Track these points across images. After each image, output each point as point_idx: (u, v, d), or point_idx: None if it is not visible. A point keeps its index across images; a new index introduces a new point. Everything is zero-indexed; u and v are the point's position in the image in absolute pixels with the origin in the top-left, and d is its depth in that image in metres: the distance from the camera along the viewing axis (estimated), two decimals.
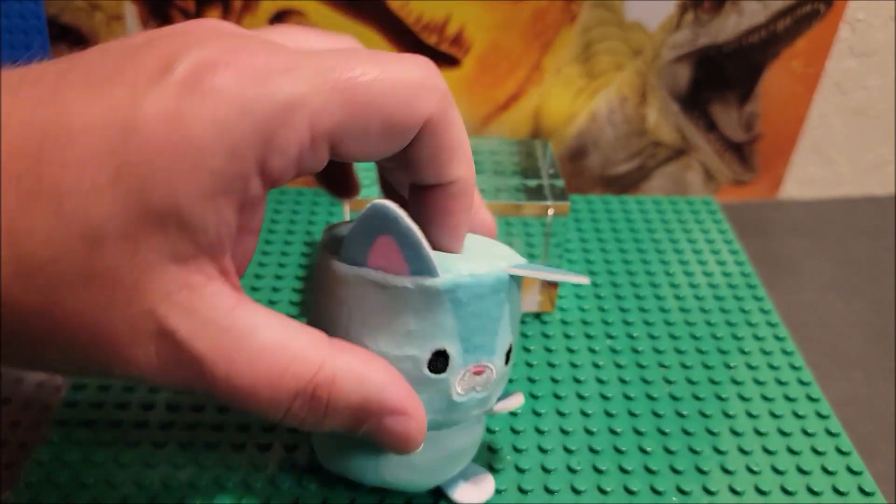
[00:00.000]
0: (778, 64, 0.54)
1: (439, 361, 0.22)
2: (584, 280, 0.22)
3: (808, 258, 0.53)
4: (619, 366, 0.33)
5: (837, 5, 0.52)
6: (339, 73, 0.18)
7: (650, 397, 0.32)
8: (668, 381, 0.32)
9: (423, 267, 0.21)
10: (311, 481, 0.27)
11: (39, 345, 0.17)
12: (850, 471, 0.29)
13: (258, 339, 0.18)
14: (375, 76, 0.18)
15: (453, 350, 0.22)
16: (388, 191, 0.26)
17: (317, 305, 0.23)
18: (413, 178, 0.21)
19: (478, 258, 0.22)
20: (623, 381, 0.32)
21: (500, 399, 0.25)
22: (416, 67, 0.19)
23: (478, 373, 0.23)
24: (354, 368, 0.20)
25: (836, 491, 0.28)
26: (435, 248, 0.22)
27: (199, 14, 0.48)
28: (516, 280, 0.23)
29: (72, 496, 0.26)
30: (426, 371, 0.22)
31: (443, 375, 0.22)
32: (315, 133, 0.18)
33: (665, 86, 0.54)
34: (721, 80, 0.54)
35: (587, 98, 0.54)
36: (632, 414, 0.31)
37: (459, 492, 0.26)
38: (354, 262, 0.21)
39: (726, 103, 0.55)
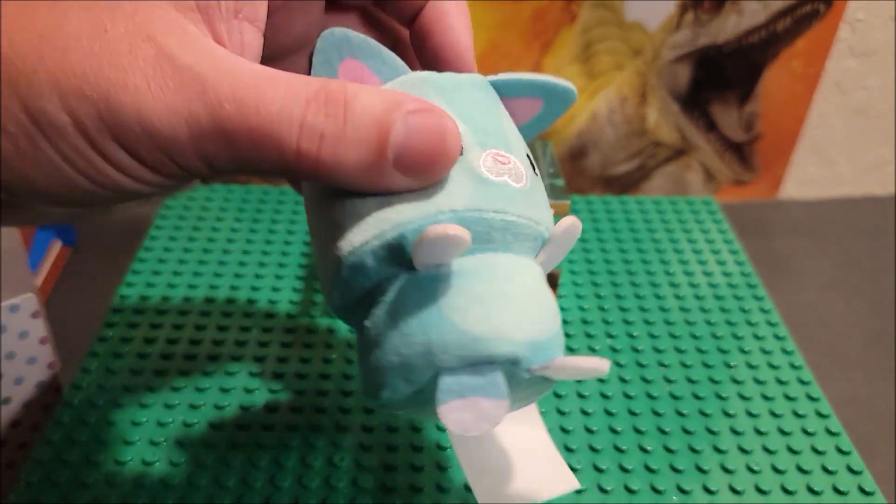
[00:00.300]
0: (778, 64, 0.54)
1: None
2: (569, 85, 0.21)
3: (808, 258, 0.53)
4: (619, 365, 0.33)
5: (837, 5, 0.52)
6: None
7: (650, 396, 0.32)
8: (668, 381, 0.32)
9: (392, 70, 0.20)
10: (311, 481, 0.27)
11: (27, 78, 0.16)
12: (850, 470, 0.29)
13: (258, 67, 0.17)
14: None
15: (462, 128, 0.19)
16: None
17: None
18: (397, 18, 0.21)
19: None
20: (623, 381, 0.32)
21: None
22: None
23: (500, 161, 0.19)
24: (365, 86, 0.18)
25: (836, 490, 0.28)
26: (441, 67, 0.21)
27: None
28: (505, 89, 0.21)
29: (71, 496, 0.26)
30: None
31: (459, 158, 0.18)
32: None
33: (665, 86, 0.54)
34: (721, 80, 0.54)
35: (587, 98, 0.54)
36: (632, 413, 0.31)
37: (564, 359, 0.19)
38: None
39: (726, 103, 0.55)
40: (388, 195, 0.18)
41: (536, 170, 0.20)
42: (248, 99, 0.17)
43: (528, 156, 0.20)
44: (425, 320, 0.18)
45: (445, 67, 0.21)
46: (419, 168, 0.18)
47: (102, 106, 0.16)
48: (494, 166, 0.19)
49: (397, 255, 0.18)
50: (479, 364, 0.18)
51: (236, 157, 0.17)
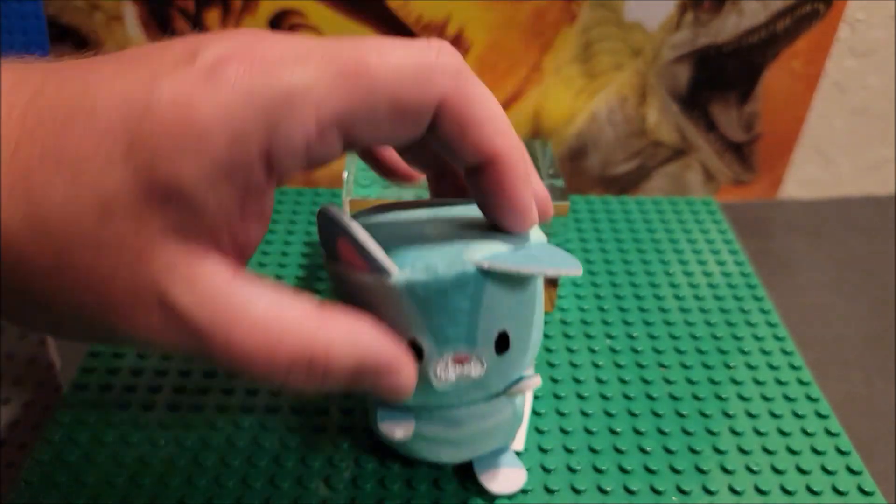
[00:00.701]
0: (778, 64, 0.54)
1: (415, 351, 0.22)
2: (576, 272, 0.22)
3: (808, 258, 0.53)
4: (618, 365, 0.33)
5: (837, 5, 0.52)
6: (344, 59, 0.18)
7: (650, 397, 0.32)
8: (668, 381, 0.32)
9: (375, 265, 0.21)
10: (310, 480, 0.27)
11: (51, 304, 0.18)
12: (850, 470, 0.29)
13: (253, 312, 0.19)
14: (381, 60, 0.18)
15: (424, 342, 0.22)
16: (445, 181, 0.25)
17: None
18: (454, 161, 0.21)
19: (458, 248, 0.22)
20: (623, 381, 0.32)
21: (518, 381, 0.25)
22: (425, 49, 0.19)
23: (459, 361, 0.23)
24: (346, 335, 0.20)
25: (836, 490, 0.28)
26: (503, 228, 0.22)
27: (198, 14, 0.48)
28: (499, 274, 0.22)
29: (71, 496, 0.26)
30: None
31: (419, 364, 0.22)
32: (321, 121, 0.18)
33: (665, 86, 0.54)
34: (721, 80, 0.54)
35: (587, 98, 0.54)
36: (631, 414, 0.31)
37: (485, 477, 0.27)
38: (332, 256, 0.23)
39: (726, 103, 0.55)
40: None
41: (512, 341, 0.23)
42: (238, 355, 0.19)
43: (503, 333, 0.23)
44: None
45: (502, 223, 0.22)
46: (380, 396, 0.22)
47: (110, 329, 0.18)
48: (450, 371, 0.23)
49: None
50: None
51: (227, 370, 0.20)
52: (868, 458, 0.30)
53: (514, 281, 0.23)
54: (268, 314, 0.19)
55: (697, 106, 0.55)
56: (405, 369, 0.21)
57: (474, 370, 0.23)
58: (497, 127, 0.21)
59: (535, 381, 0.25)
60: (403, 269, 0.21)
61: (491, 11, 0.50)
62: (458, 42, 0.51)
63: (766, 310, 0.37)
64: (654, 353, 0.34)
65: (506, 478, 0.27)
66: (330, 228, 0.22)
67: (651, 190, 0.58)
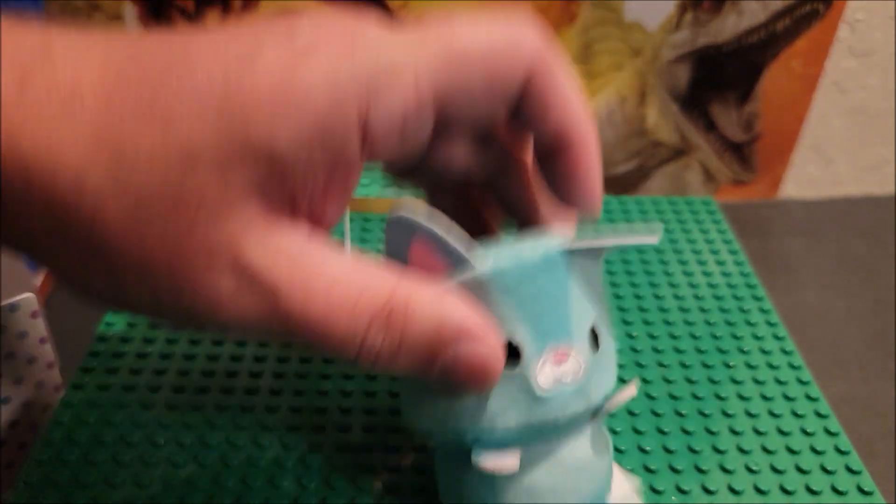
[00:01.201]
0: (777, 64, 0.54)
1: (510, 354, 0.20)
2: (653, 239, 0.21)
3: (808, 258, 0.53)
4: (617, 365, 0.33)
5: (837, 5, 0.52)
6: (439, 34, 0.19)
7: (649, 396, 0.32)
8: (666, 381, 0.32)
9: (458, 261, 0.20)
10: (310, 480, 0.27)
11: (120, 263, 0.18)
12: (849, 470, 0.29)
13: (331, 269, 0.18)
14: (472, 33, 0.19)
15: (521, 339, 0.20)
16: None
17: None
18: (535, 138, 0.21)
19: (536, 236, 0.21)
20: (622, 381, 0.32)
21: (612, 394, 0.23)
22: (511, 22, 0.20)
23: (559, 360, 0.21)
24: (428, 294, 0.19)
25: (836, 490, 0.28)
26: (574, 211, 0.22)
27: (198, 14, 0.48)
28: (579, 255, 0.21)
29: (71, 496, 0.26)
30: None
31: (518, 369, 0.21)
32: (420, 91, 0.18)
33: (664, 86, 0.54)
34: (721, 80, 0.54)
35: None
36: (631, 413, 0.31)
37: None
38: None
39: (726, 103, 0.55)
40: (454, 399, 0.21)
41: (601, 338, 0.22)
42: (318, 313, 0.18)
43: (592, 328, 0.22)
44: (485, 496, 0.22)
45: (572, 207, 0.22)
46: (461, 384, 0.20)
47: (175, 296, 0.18)
48: (553, 372, 0.21)
49: (456, 446, 0.22)
50: None
51: (296, 343, 0.19)
52: (867, 457, 0.30)
53: (590, 266, 0.22)
54: (346, 271, 0.18)
55: (697, 106, 0.55)
56: (491, 341, 0.20)
57: (574, 370, 0.21)
58: (578, 109, 0.21)
59: (631, 391, 0.23)
60: (486, 260, 0.20)
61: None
62: None
63: (766, 309, 0.37)
64: (653, 353, 0.34)
65: None
66: (402, 234, 0.20)
67: (651, 190, 0.58)
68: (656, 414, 0.31)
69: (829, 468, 0.29)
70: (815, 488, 0.28)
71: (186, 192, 0.17)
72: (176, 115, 0.17)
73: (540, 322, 0.20)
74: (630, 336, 0.35)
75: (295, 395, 0.31)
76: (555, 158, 0.21)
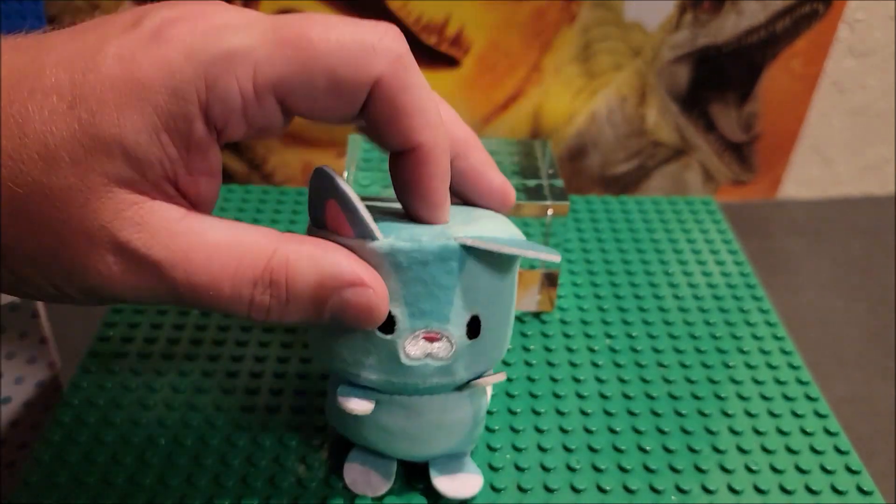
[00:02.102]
0: (777, 64, 0.54)
1: (387, 322, 0.23)
2: (555, 258, 0.23)
3: (807, 258, 0.53)
4: (618, 365, 0.33)
5: (836, 5, 0.52)
6: (288, 29, 0.19)
7: (649, 396, 0.32)
8: (667, 381, 0.32)
9: (363, 230, 0.22)
10: (311, 480, 0.27)
11: (13, 261, 0.19)
12: (849, 470, 0.29)
13: (211, 238, 0.19)
14: (324, 34, 0.19)
15: (398, 312, 0.23)
16: None
17: None
18: (379, 143, 0.22)
19: (444, 228, 0.23)
20: (622, 381, 0.32)
21: (482, 375, 0.25)
22: (370, 30, 0.20)
23: (430, 339, 0.23)
24: (307, 251, 0.20)
25: (835, 490, 0.28)
26: (416, 219, 0.23)
27: None
28: (481, 254, 0.23)
29: (71, 495, 0.26)
30: (375, 331, 0.23)
31: (390, 337, 0.23)
32: (258, 83, 0.19)
33: (664, 86, 0.54)
34: (720, 80, 0.54)
35: (586, 98, 0.54)
36: (631, 413, 0.31)
37: (440, 479, 0.26)
38: (317, 223, 0.23)
39: (726, 103, 0.55)
40: (337, 342, 0.24)
41: (483, 330, 0.24)
42: (202, 282, 0.19)
43: (474, 318, 0.23)
44: (349, 421, 0.26)
45: (414, 213, 0.23)
46: (349, 325, 0.22)
47: (70, 278, 0.19)
48: (422, 347, 0.23)
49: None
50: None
51: (192, 307, 0.21)
52: (867, 457, 0.30)
53: (493, 265, 0.23)
54: (225, 238, 0.20)
55: (697, 106, 0.55)
56: (374, 284, 0.21)
57: (443, 351, 0.23)
58: (426, 119, 0.21)
59: (498, 377, 0.25)
60: (388, 236, 0.22)
61: (491, 12, 0.50)
62: (457, 42, 0.51)
63: (765, 309, 0.37)
64: (653, 353, 0.34)
65: (461, 483, 0.26)
66: (322, 189, 0.22)
67: (650, 190, 0.58)
68: (656, 413, 0.31)
69: (828, 468, 0.29)
70: (814, 488, 0.28)
71: (54, 188, 0.18)
72: (30, 116, 0.18)
73: (421, 302, 0.23)
74: (630, 336, 0.35)
75: (296, 395, 0.31)
76: (399, 163, 0.22)
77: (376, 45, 0.20)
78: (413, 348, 0.23)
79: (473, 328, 0.24)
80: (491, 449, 0.29)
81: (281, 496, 0.27)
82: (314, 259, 0.20)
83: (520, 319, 0.35)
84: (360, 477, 0.27)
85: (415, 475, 0.27)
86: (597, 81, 0.54)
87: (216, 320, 0.34)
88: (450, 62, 0.51)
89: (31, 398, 0.33)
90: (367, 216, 0.22)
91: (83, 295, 0.20)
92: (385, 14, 0.49)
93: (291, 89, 0.19)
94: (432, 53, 0.51)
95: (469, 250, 0.22)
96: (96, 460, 0.28)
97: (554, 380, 0.32)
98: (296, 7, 0.48)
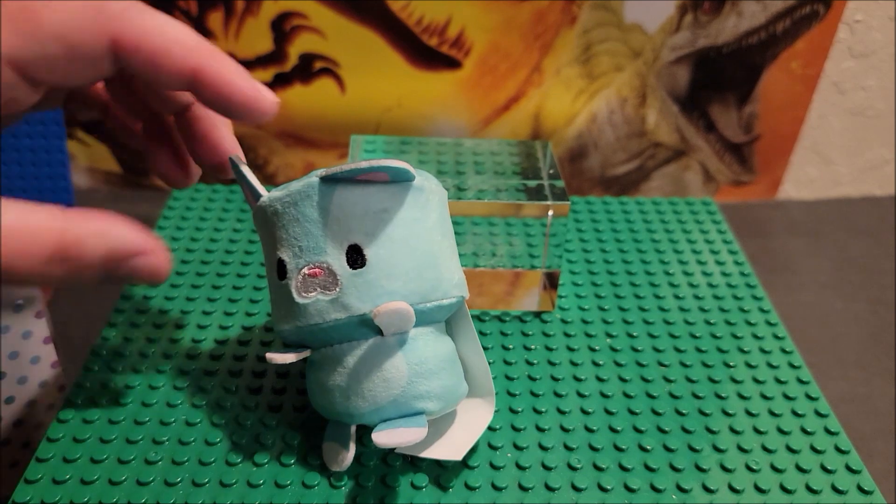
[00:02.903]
0: (777, 65, 0.54)
1: (281, 269, 0.25)
2: (400, 164, 0.23)
3: (807, 258, 0.53)
4: (618, 364, 0.33)
5: (836, 6, 0.52)
6: (13, 5, 0.20)
7: (650, 396, 0.32)
8: (668, 380, 0.33)
9: (255, 193, 0.26)
10: (313, 479, 0.27)
11: None
12: (850, 469, 0.29)
13: (3, 224, 0.20)
14: (49, 4, 0.20)
15: (285, 256, 0.25)
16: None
17: None
18: (166, 102, 0.23)
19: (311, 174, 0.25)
20: (623, 380, 0.32)
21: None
22: None
23: (312, 274, 0.24)
24: (94, 227, 0.22)
25: (836, 489, 0.28)
26: (248, 121, 0.24)
27: (201, 16, 0.48)
28: (348, 185, 0.24)
29: (74, 494, 0.26)
30: (277, 279, 0.25)
31: (284, 282, 0.25)
32: None
33: (665, 87, 0.54)
34: (720, 81, 0.54)
35: (587, 99, 0.54)
36: (632, 412, 0.31)
37: (376, 434, 0.24)
38: (250, 205, 0.27)
39: (726, 104, 0.55)
40: (271, 303, 0.27)
41: (369, 258, 0.24)
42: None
43: (355, 245, 0.24)
44: (309, 391, 0.27)
45: (247, 118, 0.24)
46: (139, 284, 0.24)
47: None
48: (309, 283, 0.25)
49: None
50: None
51: None
52: (867, 457, 0.30)
53: (367, 195, 0.24)
54: (16, 222, 0.20)
55: (697, 107, 0.55)
56: (157, 251, 0.23)
57: (329, 283, 0.24)
58: (186, 45, 0.22)
59: (393, 305, 0.24)
60: (271, 191, 0.25)
61: (491, 13, 0.50)
62: (458, 44, 0.51)
63: (766, 309, 0.37)
64: (653, 353, 0.34)
65: (397, 433, 0.24)
66: (236, 175, 0.26)
67: (651, 191, 0.59)
68: (657, 413, 0.31)
69: (829, 467, 0.29)
70: (815, 487, 0.28)
71: None
72: None
73: (299, 240, 0.24)
74: (631, 335, 0.35)
75: (298, 393, 0.31)
76: (197, 97, 0.23)
77: (101, 5, 0.21)
78: (302, 286, 0.25)
79: (354, 258, 0.24)
80: (492, 447, 0.29)
81: (284, 495, 0.27)
82: (101, 233, 0.22)
83: (521, 319, 0.36)
84: (329, 453, 0.27)
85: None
86: (597, 83, 0.54)
87: (217, 320, 0.34)
88: (451, 63, 0.51)
89: (34, 398, 0.33)
90: (253, 180, 0.25)
91: None
92: (386, 14, 0.49)
93: (27, 60, 0.20)
94: (433, 55, 0.51)
95: (333, 181, 0.24)
96: (99, 459, 0.28)
97: (555, 379, 0.32)
98: (297, 9, 0.48)
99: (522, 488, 0.27)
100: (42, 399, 0.33)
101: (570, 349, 0.34)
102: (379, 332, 0.25)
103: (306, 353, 0.26)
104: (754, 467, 0.29)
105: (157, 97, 0.25)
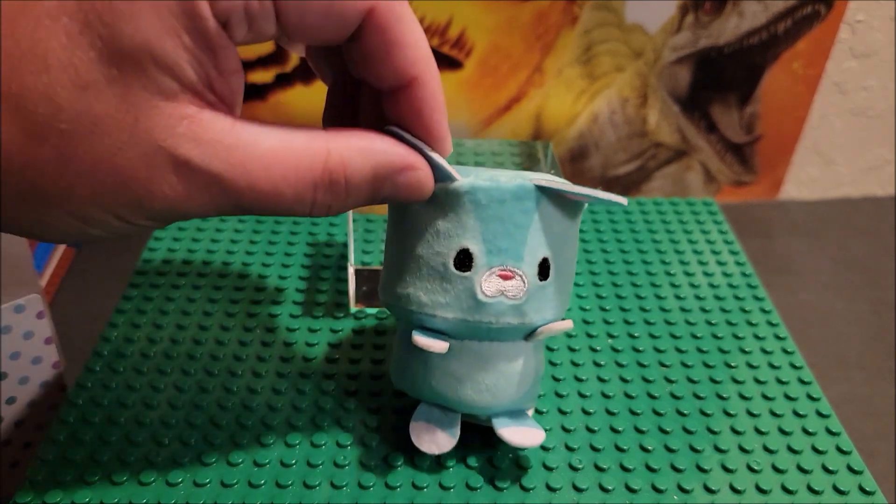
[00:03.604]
0: (778, 65, 0.54)
1: (464, 259, 0.24)
2: (622, 200, 0.23)
3: (809, 258, 0.53)
4: (620, 365, 0.33)
5: (838, 6, 0.52)
6: None
7: (651, 396, 0.32)
8: (669, 381, 0.33)
9: (442, 174, 0.23)
10: (315, 479, 0.27)
11: (72, 198, 0.18)
12: (851, 470, 0.29)
13: (264, 147, 0.19)
14: None
15: (476, 249, 0.24)
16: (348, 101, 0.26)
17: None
18: (370, 79, 0.22)
19: (513, 172, 0.24)
20: (624, 381, 0.32)
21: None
22: None
23: (504, 277, 0.24)
24: (357, 145, 0.21)
25: (837, 490, 0.28)
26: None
27: None
28: (552, 197, 0.24)
29: (76, 495, 0.26)
30: (452, 268, 0.24)
31: (467, 273, 0.24)
32: None
33: (666, 87, 0.54)
34: (721, 81, 0.54)
35: (588, 99, 0.54)
36: (633, 413, 0.31)
37: (505, 429, 0.27)
38: None
39: (727, 105, 0.55)
40: (415, 285, 0.25)
41: (552, 272, 0.25)
42: (264, 190, 0.20)
43: (545, 260, 0.25)
44: (419, 373, 0.27)
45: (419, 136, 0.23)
46: (405, 201, 0.23)
47: (136, 206, 0.19)
48: (496, 284, 0.24)
49: (408, 325, 0.26)
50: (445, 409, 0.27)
51: (254, 213, 0.21)
52: (869, 457, 0.30)
53: (563, 210, 0.25)
54: (278, 146, 0.20)
55: (698, 107, 0.55)
56: (421, 165, 0.22)
57: (516, 289, 0.24)
58: (421, 52, 0.21)
59: (566, 324, 0.26)
60: (467, 177, 0.24)
61: (493, 13, 0.50)
62: (459, 44, 0.51)
63: (767, 310, 0.37)
64: (655, 353, 0.34)
65: (524, 433, 0.27)
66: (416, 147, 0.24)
67: (652, 191, 0.59)
68: (658, 413, 0.31)
69: (830, 468, 0.29)
70: (816, 488, 0.28)
71: (97, 118, 0.17)
72: (45, 44, 0.17)
73: (497, 239, 0.24)
74: (632, 336, 0.35)
75: (297, 393, 0.31)
76: (397, 98, 0.22)
77: None
78: (488, 285, 0.24)
79: (544, 269, 0.25)
80: (493, 448, 0.29)
81: (285, 495, 0.27)
82: (366, 152, 0.21)
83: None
84: (426, 434, 0.27)
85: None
86: (598, 83, 0.54)
87: (219, 320, 0.34)
88: (452, 64, 0.51)
89: (35, 398, 0.33)
90: (443, 161, 0.23)
91: (151, 220, 0.19)
92: None
93: (289, 8, 0.19)
94: (434, 55, 0.51)
95: (543, 191, 0.24)
96: (101, 460, 0.28)
97: (556, 379, 0.32)
98: None
99: (524, 489, 0.27)
100: (43, 399, 0.33)
101: (572, 349, 0.34)
102: (525, 336, 0.26)
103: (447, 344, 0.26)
104: (756, 468, 0.29)
105: (374, 72, 0.23)
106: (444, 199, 0.24)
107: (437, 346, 0.25)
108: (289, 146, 0.20)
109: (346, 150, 0.21)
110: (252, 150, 0.19)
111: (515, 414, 0.27)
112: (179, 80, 0.18)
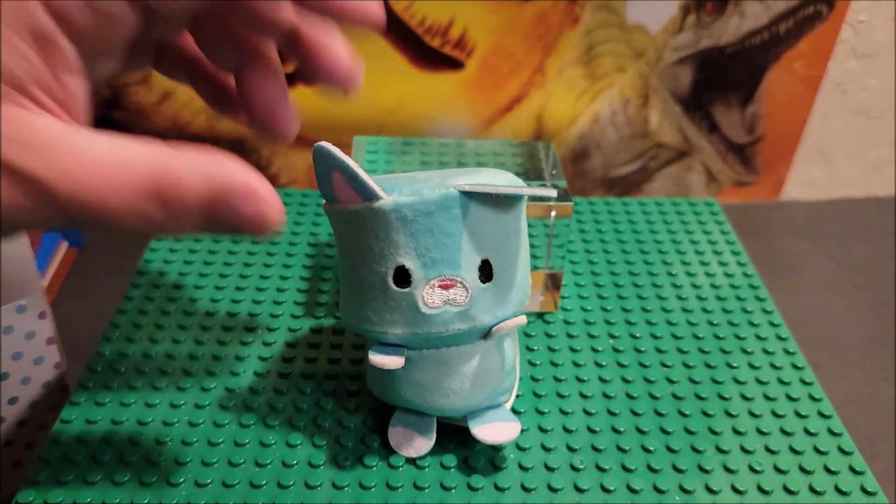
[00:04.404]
0: (780, 65, 0.54)
1: (402, 276, 0.24)
2: (552, 193, 0.23)
3: (810, 259, 0.53)
4: (621, 365, 0.33)
5: (839, 7, 0.52)
6: None
7: (653, 396, 0.32)
8: (671, 381, 0.32)
9: (367, 193, 0.24)
10: (317, 479, 0.27)
11: None
12: (853, 470, 0.29)
13: (93, 154, 0.18)
14: None
15: (411, 265, 0.24)
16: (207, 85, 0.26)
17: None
18: (265, 30, 0.22)
19: (442, 179, 0.24)
20: (626, 381, 0.32)
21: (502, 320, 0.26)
22: None
23: (445, 286, 0.24)
24: (196, 163, 0.19)
25: (839, 490, 0.28)
26: (337, 82, 0.23)
27: None
28: (481, 199, 0.24)
29: (77, 495, 0.26)
30: (392, 286, 0.24)
31: (407, 289, 0.24)
32: None
33: (667, 87, 0.54)
34: (723, 81, 0.54)
35: (589, 100, 0.54)
36: (634, 413, 0.31)
37: (478, 428, 0.27)
38: (328, 198, 0.25)
39: (728, 105, 0.55)
40: (363, 305, 0.25)
41: (497, 273, 0.25)
42: (90, 200, 0.18)
43: (485, 262, 0.25)
44: (387, 383, 0.27)
45: (328, 80, 0.23)
46: (243, 234, 0.21)
47: None
48: (439, 295, 0.24)
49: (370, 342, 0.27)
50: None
51: (83, 226, 0.19)
52: (871, 457, 0.30)
53: (497, 210, 0.24)
54: (109, 153, 0.18)
55: (700, 107, 0.55)
56: (266, 194, 0.20)
57: (459, 296, 0.25)
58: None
59: (519, 319, 0.26)
60: (391, 194, 0.24)
61: (494, 14, 0.50)
62: (461, 44, 0.51)
63: (769, 310, 0.37)
64: (656, 353, 0.34)
65: (498, 429, 0.27)
66: (324, 164, 0.24)
67: (653, 191, 0.59)
68: (660, 413, 0.31)
69: (832, 468, 0.29)
70: (818, 488, 0.28)
71: None
72: None
73: (430, 251, 0.24)
74: (633, 336, 0.35)
75: (299, 393, 0.31)
76: (295, 42, 0.22)
77: None
78: (431, 297, 0.24)
79: (486, 272, 0.25)
80: (494, 448, 0.29)
81: (287, 496, 0.27)
82: (204, 170, 0.19)
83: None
84: (404, 439, 0.28)
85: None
86: (600, 83, 0.54)
87: (220, 320, 0.34)
88: (453, 64, 0.52)
89: (37, 398, 0.33)
90: (367, 179, 0.23)
91: None
92: (388, 16, 0.49)
93: None
94: (436, 55, 0.51)
95: (469, 196, 0.24)
96: (103, 460, 0.28)
97: (557, 380, 0.32)
98: None
99: (525, 489, 0.27)
100: (45, 400, 0.33)
101: (573, 350, 0.34)
102: (483, 336, 0.26)
103: (404, 355, 0.26)
104: (757, 468, 0.29)
105: (260, 23, 0.22)
106: (372, 219, 0.24)
107: (392, 362, 0.25)
108: (120, 156, 0.19)
109: (186, 167, 0.19)
110: (80, 157, 0.18)
111: (491, 409, 0.28)
112: (7, 82, 0.17)
